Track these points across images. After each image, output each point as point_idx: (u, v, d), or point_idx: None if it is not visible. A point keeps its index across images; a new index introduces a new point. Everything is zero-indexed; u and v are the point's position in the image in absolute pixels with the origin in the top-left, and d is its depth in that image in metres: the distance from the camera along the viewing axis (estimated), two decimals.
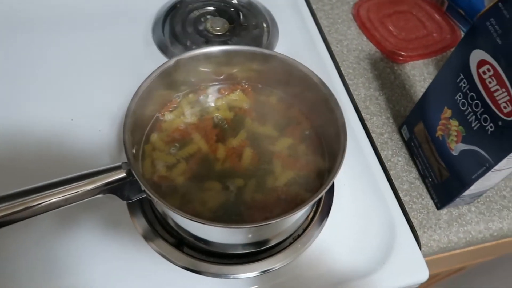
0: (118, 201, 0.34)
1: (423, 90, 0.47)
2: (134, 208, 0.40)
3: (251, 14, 0.59)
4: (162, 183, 0.37)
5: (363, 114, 0.53)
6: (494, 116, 0.36)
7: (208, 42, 0.54)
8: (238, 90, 0.43)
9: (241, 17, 0.58)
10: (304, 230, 0.41)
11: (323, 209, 0.42)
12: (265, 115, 0.42)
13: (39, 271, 0.38)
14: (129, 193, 0.34)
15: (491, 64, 0.35)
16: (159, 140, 0.39)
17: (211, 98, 0.43)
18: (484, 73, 0.36)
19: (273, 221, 0.31)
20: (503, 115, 0.35)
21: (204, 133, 0.40)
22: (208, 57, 0.40)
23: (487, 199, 0.48)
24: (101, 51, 0.53)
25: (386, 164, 0.49)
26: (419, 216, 0.46)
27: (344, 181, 0.46)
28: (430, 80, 0.45)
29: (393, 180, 0.48)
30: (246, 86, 0.44)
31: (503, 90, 0.34)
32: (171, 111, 0.41)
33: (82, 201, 0.32)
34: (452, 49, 0.41)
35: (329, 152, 0.40)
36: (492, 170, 0.38)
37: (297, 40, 0.58)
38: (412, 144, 0.50)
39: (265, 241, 0.39)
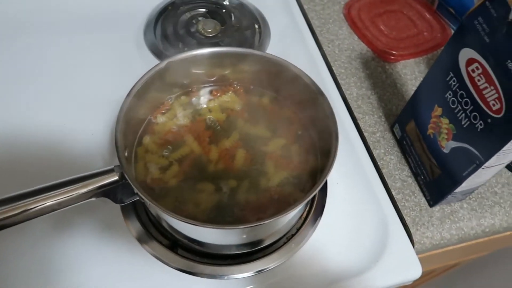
0: (111, 204, 0.34)
1: (415, 88, 0.47)
2: (128, 211, 0.40)
3: (243, 15, 0.59)
4: (155, 186, 0.37)
5: (355, 114, 0.54)
6: (483, 113, 0.36)
7: (199, 44, 0.55)
8: (230, 92, 0.43)
9: (233, 18, 0.58)
10: (298, 229, 0.41)
11: (316, 208, 0.43)
12: (258, 116, 0.42)
13: (34, 275, 0.38)
14: (122, 196, 0.34)
15: (479, 62, 0.35)
16: (152, 143, 0.39)
17: (203, 100, 0.43)
18: (473, 71, 0.36)
19: (266, 222, 0.31)
20: (492, 113, 0.35)
21: (196, 135, 0.40)
22: (199, 59, 0.40)
23: (479, 196, 0.49)
24: (92, 54, 0.53)
25: (378, 163, 0.50)
26: (412, 213, 0.47)
27: (337, 180, 0.46)
28: (421, 79, 0.45)
29: (386, 179, 0.49)
30: (238, 87, 0.44)
31: (492, 88, 0.35)
32: (163, 113, 0.41)
33: (75, 204, 0.32)
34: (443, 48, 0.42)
35: (321, 151, 0.40)
36: (483, 167, 0.38)
37: (288, 40, 0.59)
38: (404, 143, 0.50)
39: (259, 241, 0.39)
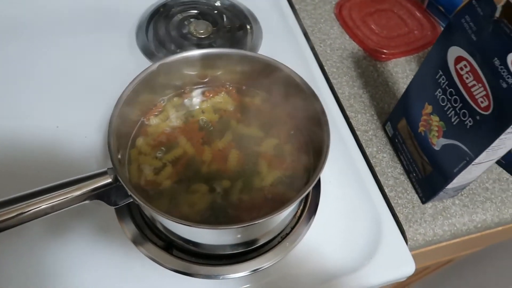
0: (106, 206, 0.34)
1: (406, 87, 0.47)
2: (122, 213, 0.40)
3: (235, 16, 0.60)
4: (149, 187, 0.37)
5: (347, 112, 0.54)
6: (472, 110, 0.37)
7: (192, 45, 0.55)
8: (223, 93, 0.44)
9: (225, 19, 0.59)
10: (292, 228, 0.42)
11: (310, 207, 0.43)
12: (250, 117, 0.43)
13: (29, 279, 0.38)
14: (116, 199, 0.34)
15: (467, 60, 0.36)
16: (145, 145, 0.39)
17: (196, 101, 0.43)
18: (462, 69, 0.37)
19: (259, 221, 0.31)
20: (480, 110, 0.36)
21: (190, 136, 0.40)
22: (191, 60, 0.41)
23: (470, 192, 0.50)
24: (85, 56, 0.53)
25: (371, 161, 0.50)
26: (405, 210, 0.47)
27: (331, 178, 0.46)
28: (412, 77, 0.46)
29: (379, 176, 0.49)
30: (231, 88, 0.44)
31: (480, 85, 0.35)
32: (156, 115, 0.41)
33: (69, 207, 0.32)
34: None
35: (314, 150, 0.40)
36: (473, 163, 0.39)
37: (280, 40, 0.59)
38: (396, 140, 0.51)
39: (254, 241, 0.39)
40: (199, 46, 0.55)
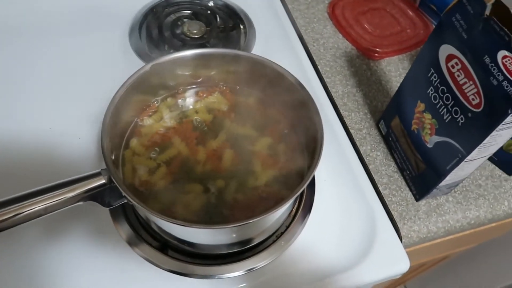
0: (100, 208, 0.34)
1: (399, 85, 0.48)
2: (117, 214, 0.40)
3: (228, 16, 0.60)
4: (143, 188, 0.37)
5: (341, 111, 0.54)
6: (463, 108, 0.37)
7: (185, 45, 0.55)
8: (216, 92, 0.44)
9: (218, 19, 0.59)
10: (287, 227, 0.42)
11: (305, 206, 0.43)
12: (244, 116, 0.43)
13: (23, 282, 0.37)
14: (110, 200, 0.34)
15: (458, 58, 0.36)
16: (139, 145, 0.39)
17: (190, 101, 0.43)
18: (453, 67, 0.37)
19: (253, 220, 0.31)
20: (472, 107, 0.36)
21: (184, 137, 0.40)
22: (184, 60, 0.41)
23: (464, 189, 0.50)
24: (78, 58, 0.53)
25: (365, 159, 0.50)
26: (399, 208, 0.47)
27: (325, 177, 0.46)
28: (405, 75, 0.46)
29: (373, 174, 0.49)
30: (224, 88, 0.44)
31: (471, 82, 0.35)
32: (150, 115, 0.41)
33: (63, 209, 0.32)
34: None
35: (308, 149, 0.40)
36: (465, 160, 0.39)
37: (274, 40, 0.59)
38: (390, 139, 0.51)
39: (249, 240, 0.39)
40: (193, 46, 0.55)
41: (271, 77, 0.41)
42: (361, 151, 0.51)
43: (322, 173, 0.46)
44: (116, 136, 0.37)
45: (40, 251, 0.39)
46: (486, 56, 0.33)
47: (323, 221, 0.43)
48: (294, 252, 0.41)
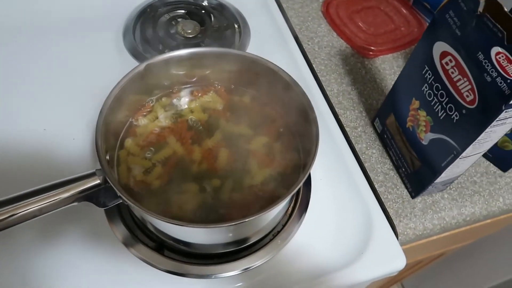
0: (95, 208, 0.34)
1: (393, 83, 0.48)
2: (112, 215, 0.40)
3: (222, 15, 0.60)
4: (138, 188, 0.37)
5: (336, 109, 0.54)
6: (458, 105, 0.37)
7: (180, 45, 0.55)
8: (211, 92, 0.43)
9: (212, 19, 0.58)
10: (284, 226, 0.42)
11: (301, 204, 0.43)
12: (239, 115, 0.43)
13: (19, 284, 0.37)
14: (105, 200, 0.34)
15: (452, 55, 0.36)
16: (134, 145, 0.39)
17: (185, 100, 0.43)
18: (447, 64, 0.37)
19: (250, 219, 0.31)
20: (466, 104, 0.36)
21: (179, 136, 0.40)
22: (179, 60, 0.40)
23: (459, 186, 0.50)
24: (71, 59, 0.53)
25: (361, 157, 0.51)
26: (395, 205, 0.48)
27: (321, 175, 0.46)
28: (400, 73, 0.46)
29: (368, 172, 0.49)
30: (219, 87, 0.44)
31: (465, 79, 0.36)
32: (144, 115, 0.41)
33: (57, 210, 0.32)
34: None
35: (303, 147, 0.40)
36: (460, 157, 0.39)
37: (268, 39, 0.59)
38: (385, 136, 0.51)
39: (245, 239, 0.39)
40: (187, 46, 0.55)
41: (266, 76, 0.41)
42: (357, 149, 0.51)
43: (318, 172, 0.46)
44: (111, 136, 0.37)
45: (35, 253, 0.39)
46: (480, 52, 0.33)
47: (319, 220, 0.43)
48: (290, 250, 0.41)
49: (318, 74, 0.58)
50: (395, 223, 0.46)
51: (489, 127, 0.35)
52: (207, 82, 0.44)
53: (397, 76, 0.47)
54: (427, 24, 0.66)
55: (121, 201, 0.34)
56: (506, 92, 0.32)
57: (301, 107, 0.39)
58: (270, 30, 0.60)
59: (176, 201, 0.37)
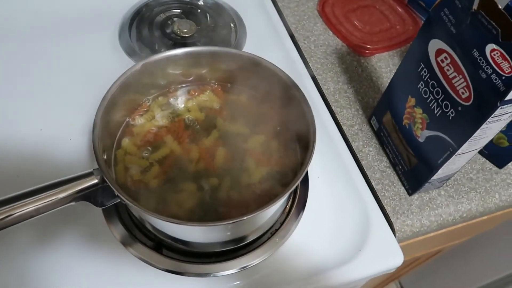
0: (93, 208, 0.34)
1: (389, 81, 0.48)
2: (110, 215, 0.40)
3: (218, 15, 0.60)
4: (136, 187, 0.37)
5: (333, 108, 0.54)
6: (453, 102, 0.37)
7: (176, 44, 0.54)
8: (208, 91, 0.43)
9: (208, 18, 0.58)
10: (282, 224, 0.42)
11: (299, 202, 0.43)
12: (236, 114, 0.43)
13: (16, 285, 0.37)
14: (103, 199, 0.34)
15: (447, 52, 0.37)
16: (131, 145, 0.39)
17: (181, 100, 0.43)
18: (442, 61, 0.38)
19: (247, 217, 0.31)
20: (461, 101, 0.36)
21: (176, 135, 0.40)
22: (175, 59, 0.40)
23: (455, 183, 0.50)
24: (68, 59, 0.53)
25: (357, 155, 0.51)
26: (392, 203, 0.48)
27: (318, 173, 0.47)
28: (395, 71, 0.47)
29: (365, 170, 0.50)
30: (216, 86, 0.44)
31: (460, 76, 0.36)
32: (141, 115, 0.41)
33: (55, 209, 0.32)
34: None
35: (301, 146, 0.40)
36: (456, 154, 0.40)
37: (265, 38, 0.59)
38: (382, 134, 0.51)
39: (243, 238, 0.39)
40: (183, 45, 0.55)
41: (262, 75, 0.41)
42: (354, 147, 0.51)
43: (315, 170, 0.46)
44: (107, 136, 0.37)
45: (33, 253, 0.39)
46: (475, 49, 0.33)
47: (317, 218, 0.44)
48: (288, 249, 0.41)
49: (315, 73, 0.58)
50: (392, 220, 0.46)
51: (484, 123, 0.35)
52: (203, 81, 0.44)
53: (393, 74, 0.47)
54: (422, 22, 0.66)
55: (118, 200, 0.34)
56: (501, 88, 0.32)
57: (297, 105, 0.39)
58: (266, 29, 0.60)
59: (174, 200, 0.37)
